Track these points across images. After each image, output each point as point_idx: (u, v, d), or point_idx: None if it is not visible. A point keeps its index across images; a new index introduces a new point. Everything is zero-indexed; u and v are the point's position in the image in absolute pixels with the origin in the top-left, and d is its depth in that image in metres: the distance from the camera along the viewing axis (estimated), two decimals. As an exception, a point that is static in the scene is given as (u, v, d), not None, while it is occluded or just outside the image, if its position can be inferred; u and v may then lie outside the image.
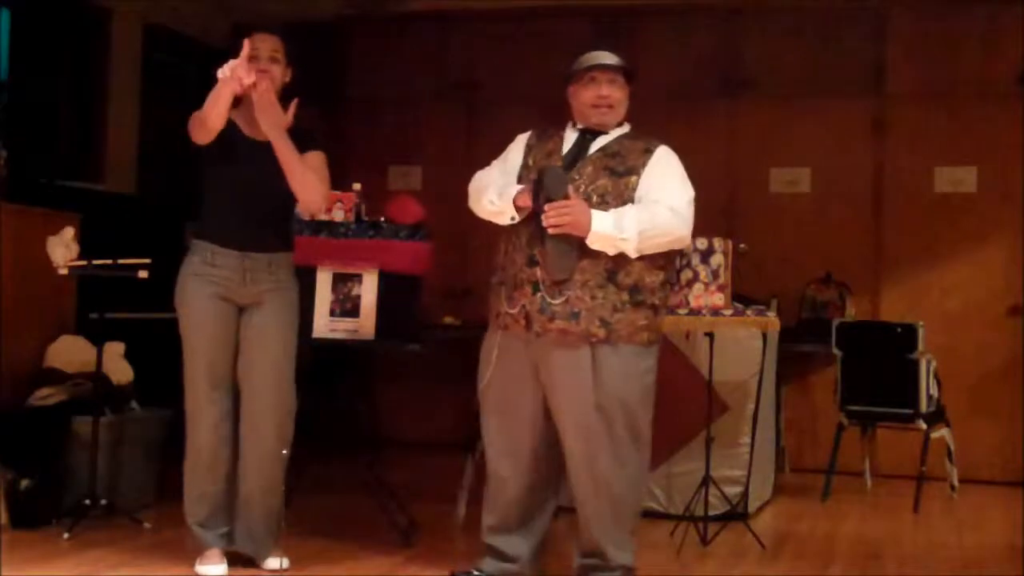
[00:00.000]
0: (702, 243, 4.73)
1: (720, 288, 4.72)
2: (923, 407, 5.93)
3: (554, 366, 3.73)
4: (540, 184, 3.68)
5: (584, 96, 3.88)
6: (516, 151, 3.99)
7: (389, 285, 4.60)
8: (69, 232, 4.81)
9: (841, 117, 7.10)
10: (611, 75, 3.87)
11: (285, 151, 3.88)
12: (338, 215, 4.73)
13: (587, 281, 3.68)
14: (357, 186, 4.85)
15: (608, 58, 3.88)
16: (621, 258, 3.69)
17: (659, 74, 7.24)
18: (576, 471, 3.82)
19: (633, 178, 3.77)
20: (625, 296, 3.70)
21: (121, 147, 6.75)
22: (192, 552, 4.04)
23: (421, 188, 7.37)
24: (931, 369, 5.99)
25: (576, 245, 3.66)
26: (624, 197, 3.73)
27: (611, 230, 3.64)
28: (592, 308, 3.67)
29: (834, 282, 6.97)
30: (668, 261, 3.85)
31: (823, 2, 7.12)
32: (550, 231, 3.63)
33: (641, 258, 3.70)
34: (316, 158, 4.04)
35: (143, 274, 4.71)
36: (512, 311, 3.77)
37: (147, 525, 4.67)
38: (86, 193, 6.29)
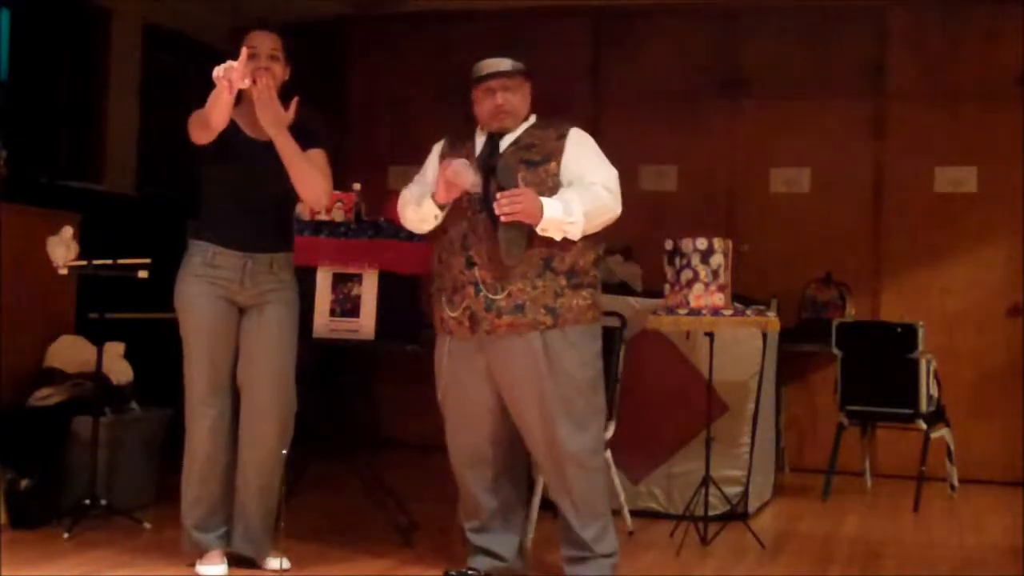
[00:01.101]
0: (702, 243, 4.71)
1: (720, 288, 4.70)
2: (923, 407, 5.93)
3: (506, 360, 3.77)
4: (492, 175, 3.74)
5: (482, 106, 3.92)
6: (432, 163, 4.04)
7: (389, 285, 4.60)
8: (69, 232, 4.80)
9: (841, 117, 7.09)
10: (504, 82, 3.89)
11: (286, 148, 3.87)
12: (338, 215, 4.72)
13: (526, 272, 3.74)
14: (357, 186, 4.85)
15: (501, 65, 3.90)
16: (555, 245, 3.75)
17: (659, 74, 7.25)
18: (541, 459, 3.89)
19: (552, 164, 3.81)
20: (563, 280, 3.77)
21: (121, 147, 6.74)
22: (191, 553, 4.04)
23: (421, 188, 7.34)
24: (931, 369, 5.99)
25: (526, 232, 3.71)
26: (547, 184, 3.78)
27: (561, 215, 3.70)
28: (535, 298, 3.73)
29: (834, 282, 6.97)
30: (596, 240, 3.90)
31: (823, 2, 7.12)
32: (503, 219, 3.67)
33: (573, 241, 3.76)
34: (318, 155, 4.03)
35: (143, 274, 4.71)
36: (455, 314, 3.81)
37: (147, 525, 4.67)
38: (86, 193, 6.28)
